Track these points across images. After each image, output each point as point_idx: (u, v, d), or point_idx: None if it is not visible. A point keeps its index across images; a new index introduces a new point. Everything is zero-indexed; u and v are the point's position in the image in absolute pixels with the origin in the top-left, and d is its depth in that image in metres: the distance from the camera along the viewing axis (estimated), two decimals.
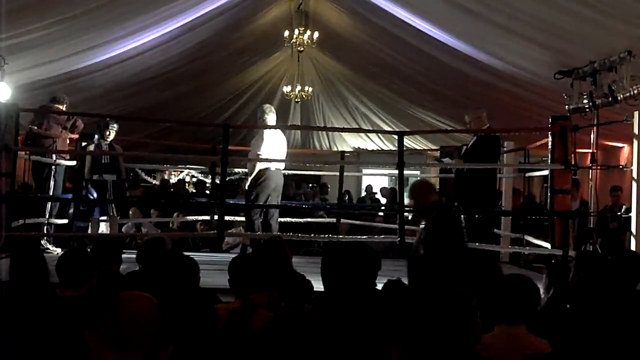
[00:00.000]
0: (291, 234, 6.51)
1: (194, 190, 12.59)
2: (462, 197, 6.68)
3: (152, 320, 1.67)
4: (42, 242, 6.51)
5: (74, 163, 7.19)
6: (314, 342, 2.30)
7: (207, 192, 11.37)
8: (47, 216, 6.64)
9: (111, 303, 1.68)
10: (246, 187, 6.71)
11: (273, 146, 6.65)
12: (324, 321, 2.43)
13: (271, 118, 6.78)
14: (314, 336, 2.33)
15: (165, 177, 14.58)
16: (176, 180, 13.71)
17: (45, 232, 6.64)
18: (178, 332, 2.50)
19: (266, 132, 6.68)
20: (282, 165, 6.78)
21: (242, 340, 2.62)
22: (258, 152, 6.58)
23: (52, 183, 6.64)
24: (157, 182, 13.67)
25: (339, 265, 2.61)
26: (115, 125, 7.01)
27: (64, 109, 6.79)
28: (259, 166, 6.55)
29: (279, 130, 6.98)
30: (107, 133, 6.93)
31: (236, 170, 9.89)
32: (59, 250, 6.28)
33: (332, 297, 2.57)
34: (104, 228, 6.92)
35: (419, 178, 6.97)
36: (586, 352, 2.67)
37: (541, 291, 3.34)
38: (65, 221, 7.07)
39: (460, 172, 6.65)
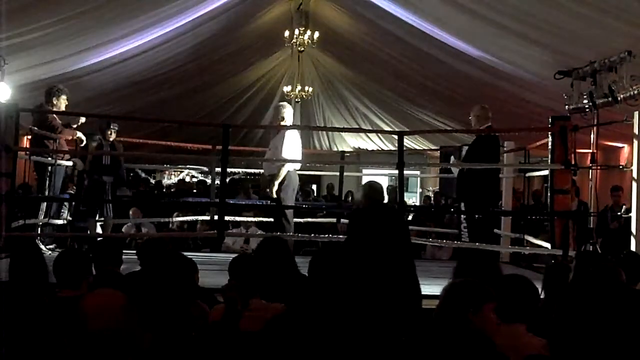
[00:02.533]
0: (291, 234, 6.50)
1: (195, 190, 12.63)
2: (464, 197, 6.68)
3: (116, 315, 1.70)
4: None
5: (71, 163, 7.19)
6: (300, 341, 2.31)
7: (196, 191, 11.47)
8: (42, 217, 6.59)
9: (78, 304, 1.71)
10: (274, 191, 6.39)
11: (294, 146, 6.51)
12: (308, 321, 2.44)
13: (289, 112, 6.64)
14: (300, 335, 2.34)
15: (166, 177, 14.64)
16: (176, 181, 13.76)
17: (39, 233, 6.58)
18: (174, 332, 2.50)
19: (287, 132, 6.50)
20: (298, 166, 6.67)
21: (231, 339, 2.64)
22: (283, 154, 6.36)
23: (53, 182, 6.61)
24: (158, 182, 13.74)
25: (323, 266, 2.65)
26: (116, 125, 6.99)
27: (61, 101, 6.72)
28: (287, 167, 6.37)
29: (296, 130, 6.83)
30: (109, 133, 6.89)
31: (236, 170, 9.90)
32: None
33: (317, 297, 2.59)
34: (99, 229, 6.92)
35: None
36: (586, 352, 2.67)
37: (540, 291, 3.35)
38: (60, 221, 7.03)
39: (462, 172, 6.65)
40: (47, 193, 6.61)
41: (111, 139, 6.93)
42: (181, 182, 13.04)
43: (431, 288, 3.22)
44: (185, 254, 3.53)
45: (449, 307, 2.48)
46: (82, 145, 6.94)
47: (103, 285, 3.25)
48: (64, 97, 6.68)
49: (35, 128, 6.56)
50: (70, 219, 7.12)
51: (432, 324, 2.51)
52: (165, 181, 14.21)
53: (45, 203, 6.59)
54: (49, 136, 6.55)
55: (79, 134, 6.86)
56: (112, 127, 6.88)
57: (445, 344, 2.35)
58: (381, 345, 2.27)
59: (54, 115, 6.61)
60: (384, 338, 2.28)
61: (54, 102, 6.62)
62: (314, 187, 13.21)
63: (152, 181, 12.91)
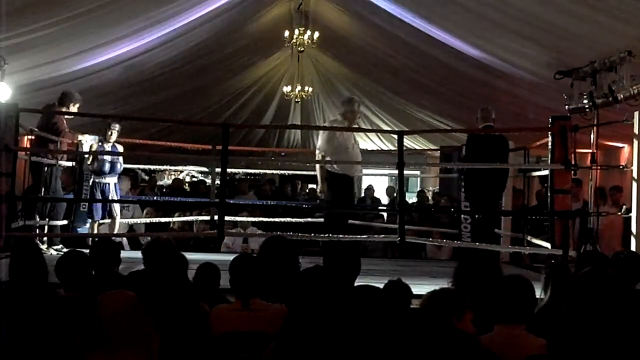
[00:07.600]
0: (291, 233, 6.48)
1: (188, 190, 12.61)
2: (467, 196, 6.68)
3: (132, 316, 1.71)
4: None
5: (72, 164, 7.18)
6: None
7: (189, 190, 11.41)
8: (38, 218, 6.58)
9: (92, 306, 1.72)
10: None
11: None
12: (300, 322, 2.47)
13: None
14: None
15: (165, 177, 14.62)
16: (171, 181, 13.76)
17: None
18: (173, 332, 2.50)
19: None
20: None
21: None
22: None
23: (54, 183, 6.60)
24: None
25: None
26: (117, 125, 6.96)
27: (75, 109, 6.70)
28: None
29: None
30: (109, 134, 6.89)
31: (235, 170, 9.90)
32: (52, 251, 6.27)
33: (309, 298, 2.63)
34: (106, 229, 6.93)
35: None
36: (585, 352, 2.67)
37: (540, 291, 3.35)
38: (59, 222, 7.02)
39: (462, 171, 6.66)
40: (42, 194, 6.59)
41: (111, 140, 6.92)
42: (176, 181, 12.99)
43: (431, 288, 3.21)
44: (186, 254, 3.54)
45: (433, 312, 2.53)
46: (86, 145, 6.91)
47: (103, 285, 3.25)
48: (78, 105, 6.71)
49: (36, 129, 6.56)
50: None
51: (419, 325, 2.56)
52: (165, 181, 14.18)
53: (39, 204, 6.57)
54: (52, 138, 6.55)
55: (81, 137, 6.85)
56: (111, 127, 6.87)
57: (433, 344, 2.37)
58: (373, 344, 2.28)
59: (61, 118, 6.60)
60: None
61: (69, 108, 6.64)
62: (314, 186, 13.17)
63: (146, 177, 12.83)
